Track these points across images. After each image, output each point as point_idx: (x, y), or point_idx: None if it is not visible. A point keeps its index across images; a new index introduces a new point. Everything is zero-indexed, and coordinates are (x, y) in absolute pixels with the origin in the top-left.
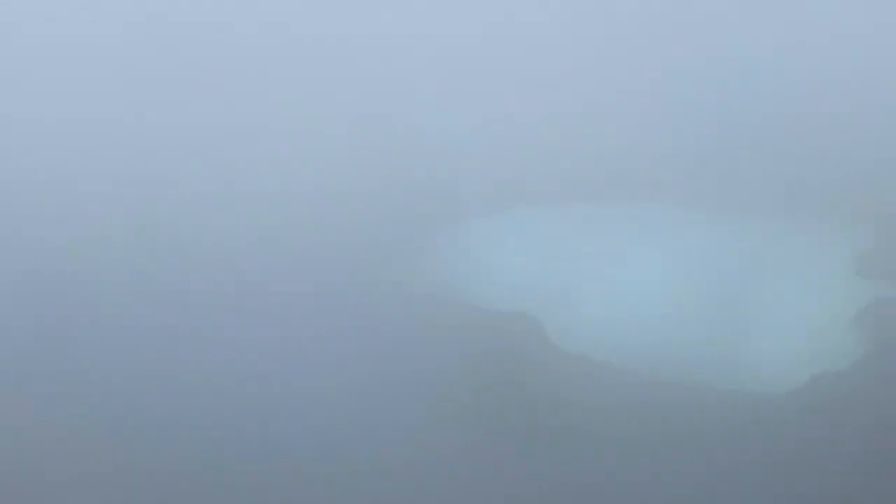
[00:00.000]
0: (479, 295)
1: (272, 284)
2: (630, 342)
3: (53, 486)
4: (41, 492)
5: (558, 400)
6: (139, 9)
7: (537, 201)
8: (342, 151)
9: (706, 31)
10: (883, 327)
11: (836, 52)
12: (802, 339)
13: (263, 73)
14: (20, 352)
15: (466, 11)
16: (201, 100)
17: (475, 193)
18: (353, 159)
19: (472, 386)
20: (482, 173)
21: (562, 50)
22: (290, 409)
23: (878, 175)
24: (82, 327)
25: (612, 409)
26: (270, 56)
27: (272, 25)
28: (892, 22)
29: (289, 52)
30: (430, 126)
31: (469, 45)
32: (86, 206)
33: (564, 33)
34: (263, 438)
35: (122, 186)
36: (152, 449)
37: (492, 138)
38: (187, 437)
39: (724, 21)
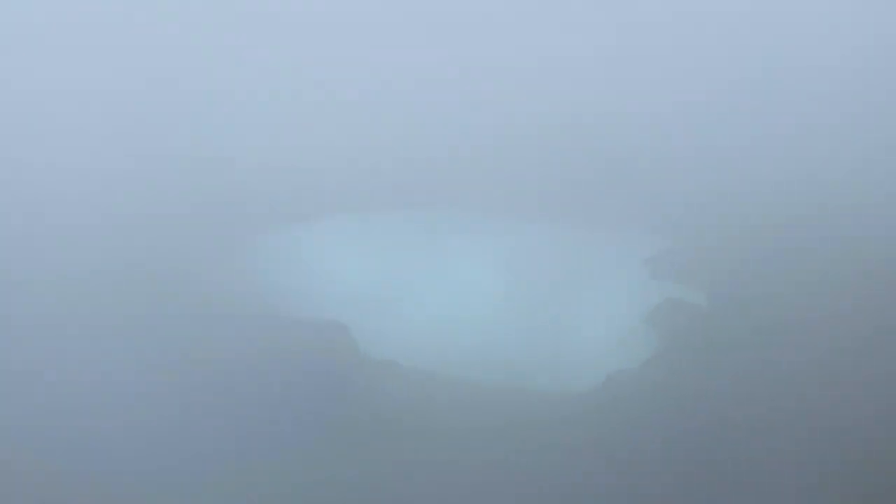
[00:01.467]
0: (289, 303)
1: (75, 291)
2: (436, 347)
3: None
4: None
5: (368, 405)
6: None
7: (345, 210)
8: (155, 158)
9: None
10: (671, 326)
11: (628, 70)
12: (599, 339)
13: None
14: None
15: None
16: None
17: (286, 202)
18: (165, 166)
19: (283, 392)
20: (293, 182)
21: (358, 57)
22: (89, 419)
23: (670, 185)
24: None
25: (420, 412)
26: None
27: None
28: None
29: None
30: (236, 133)
31: (267, 55)
32: None
33: (368, 42)
34: (52, 443)
35: None
36: None
37: (300, 146)
38: None
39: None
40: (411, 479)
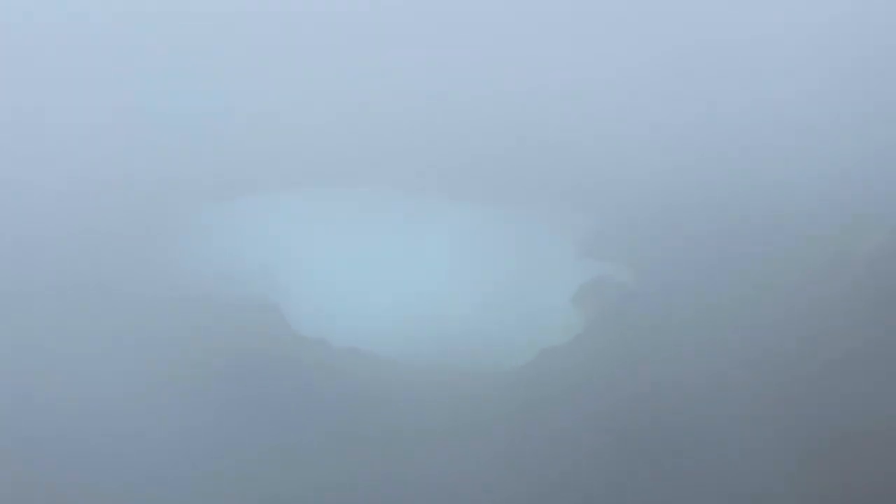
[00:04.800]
0: (220, 287)
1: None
2: (368, 326)
3: None
4: None
5: (302, 384)
6: None
7: (269, 190)
8: (84, 144)
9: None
10: (599, 304)
11: (566, 54)
12: (531, 316)
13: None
14: None
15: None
16: None
17: (210, 185)
18: (95, 152)
19: (217, 376)
20: (217, 164)
21: (296, 40)
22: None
23: (599, 167)
24: None
25: (351, 390)
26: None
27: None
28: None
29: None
30: (164, 118)
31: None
32: None
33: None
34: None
35: None
36: None
37: (236, 125)
38: None
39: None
40: (344, 452)
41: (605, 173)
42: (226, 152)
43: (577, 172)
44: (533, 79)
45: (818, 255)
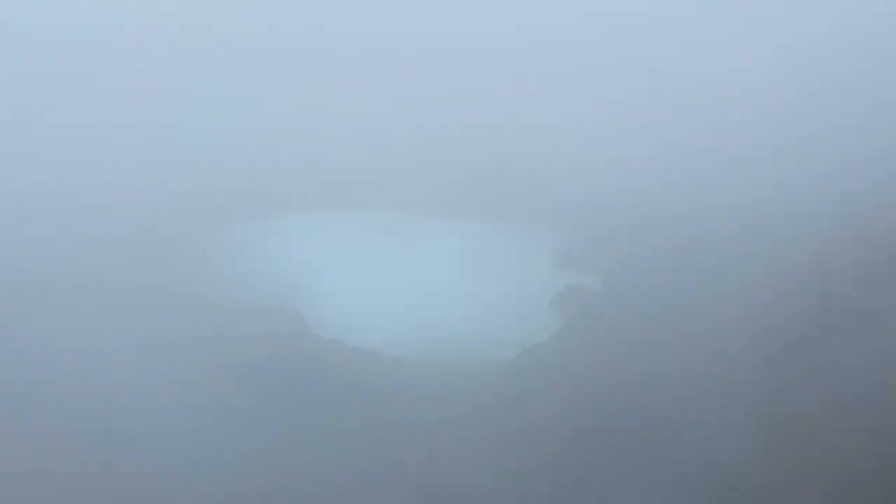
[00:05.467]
0: (244, 293)
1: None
2: (374, 328)
3: None
4: None
5: (321, 380)
6: None
7: (294, 209)
8: (117, 153)
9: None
10: (573, 308)
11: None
12: (512, 319)
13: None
14: None
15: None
16: None
17: (236, 200)
18: (124, 162)
19: (241, 377)
20: (242, 182)
21: (303, 61)
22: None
23: (571, 190)
24: None
25: (360, 383)
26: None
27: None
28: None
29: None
30: (193, 132)
31: (231, 55)
32: None
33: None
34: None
35: None
36: None
37: (250, 148)
38: None
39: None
40: (356, 442)
41: (576, 196)
42: (233, 160)
43: (553, 196)
44: (518, 115)
45: (784, 259)
